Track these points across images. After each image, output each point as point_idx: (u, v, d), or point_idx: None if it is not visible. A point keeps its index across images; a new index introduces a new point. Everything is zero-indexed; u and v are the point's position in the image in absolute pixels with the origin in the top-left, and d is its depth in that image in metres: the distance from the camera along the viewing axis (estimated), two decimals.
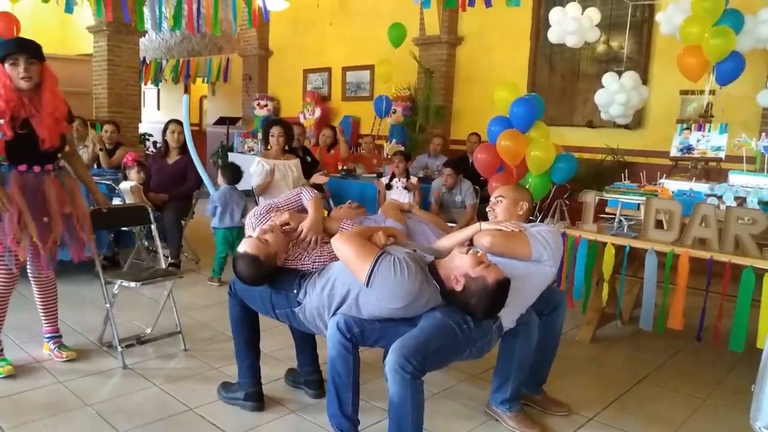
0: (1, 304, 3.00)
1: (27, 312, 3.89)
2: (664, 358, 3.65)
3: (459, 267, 2.26)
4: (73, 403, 2.74)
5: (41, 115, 2.80)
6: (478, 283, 2.21)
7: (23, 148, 2.79)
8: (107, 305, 3.23)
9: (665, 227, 3.43)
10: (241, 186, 4.80)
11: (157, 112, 13.55)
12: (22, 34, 5.62)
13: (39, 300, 3.23)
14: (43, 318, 3.26)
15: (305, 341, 2.92)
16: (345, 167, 6.76)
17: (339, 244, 2.33)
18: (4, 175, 2.80)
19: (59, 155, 3.00)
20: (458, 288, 2.24)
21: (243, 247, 2.48)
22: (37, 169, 2.85)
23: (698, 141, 4.42)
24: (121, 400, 2.79)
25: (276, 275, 2.52)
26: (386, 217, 2.83)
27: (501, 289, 2.22)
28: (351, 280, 2.31)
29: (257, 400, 2.75)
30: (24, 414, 2.61)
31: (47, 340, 3.26)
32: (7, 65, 2.73)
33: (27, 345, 3.35)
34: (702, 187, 3.73)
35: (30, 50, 2.78)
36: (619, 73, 5.37)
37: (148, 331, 3.58)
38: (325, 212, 2.92)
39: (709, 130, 4.39)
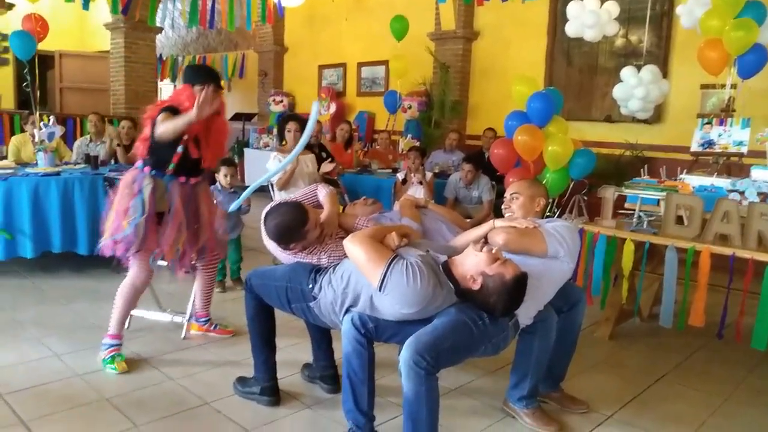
0: (135, 299, 3.15)
1: (45, 306, 3.95)
2: (684, 356, 3.60)
3: (474, 266, 2.23)
4: (91, 396, 2.76)
5: (210, 140, 3.09)
6: (495, 280, 2.18)
7: (188, 164, 3.04)
8: None
9: (686, 223, 3.37)
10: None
11: None
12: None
13: (200, 286, 3.51)
14: (200, 303, 3.55)
15: (321, 336, 2.91)
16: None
17: (351, 246, 2.31)
18: (167, 185, 3.04)
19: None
20: (476, 287, 2.22)
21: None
22: (192, 181, 3.12)
23: (719, 136, 4.34)
24: (138, 394, 2.81)
25: (295, 240, 2.56)
26: (402, 215, 2.81)
27: (519, 284, 2.20)
28: (365, 279, 2.30)
29: (273, 394, 2.75)
30: (43, 406, 2.64)
31: (203, 323, 3.56)
32: (197, 88, 2.89)
33: (47, 339, 3.38)
34: (723, 183, 3.67)
35: (217, 80, 3.05)
36: (638, 68, 5.29)
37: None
38: (340, 208, 2.90)
39: (731, 125, 4.31)
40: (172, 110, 2.94)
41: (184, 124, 2.82)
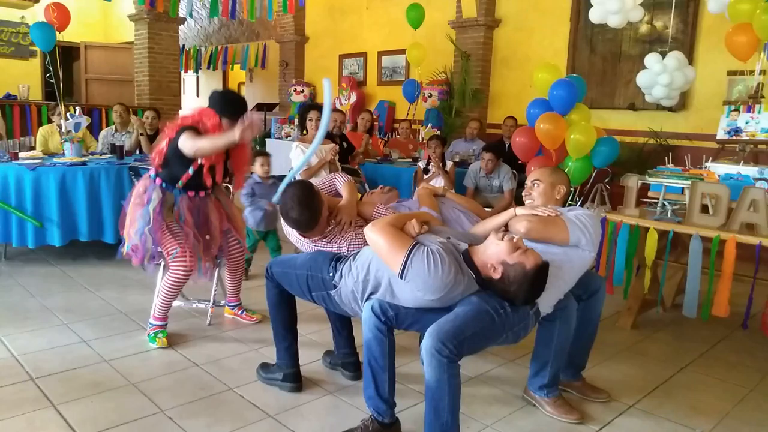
0: (176, 291, 3.25)
1: (73, 293, 4.04)
2: (708, 346, 3.56)
3: (495, 254, 2.23)
4: (119, 381, 2.83)
5: (235, 163, 3.29)
6: (516, 269, 2.18)
7: (198, 181, 3.19)
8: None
9: (711, 212, 3.32)
10: (278, 171, 4.72)
11: (197, 99, 13.77)
12: None
13: (228, 276, 3.65)
14: (230, 290, 3.68)
15: (342, 324, 2.94)
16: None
17: (372, 235, 2.31)
18: (176, 197, 3.21)
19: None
20: (496, 276, 2.22)
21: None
22: (202, 194, 3.28)
23: (747, 123, 4.26)
24: (164, 380, 2.87)
25: (312, 223, 2.57)
26: (421, 204, 2.81)
27: (540, 273, 2.19)
28: (385, 267, 2.31)
29: (295, 381, 2.79)
30: (72, 391, 2.71)
31: (232, 307, 3.70)
32: (225, 121, 3.05)
33: (75, 325, 3.47)
34: (751, 171, 3.61)
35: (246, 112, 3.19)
36: (663, 54, 5.20)
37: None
38: (359, 196, 2.91)
39: (759, 112, 4.22)
40: (196, 131, 3.04)
41: (224, 144, 2.94)
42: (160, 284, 3.27)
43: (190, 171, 3.13)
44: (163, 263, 3.37)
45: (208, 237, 3.29)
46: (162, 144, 3.15)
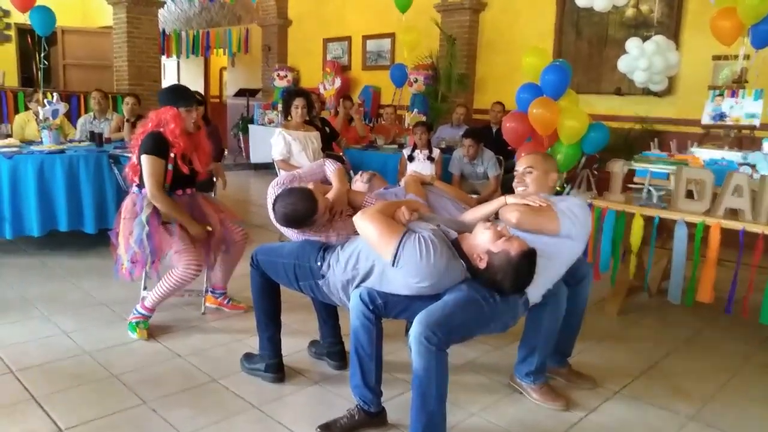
0: (179, 288, 3.22)
1: (53, 284, 3.97)
2: (693, 331, 3.59)
3: (481, 244, 2.22)
4: (100, 373, 2.78)
5: (199, 154, 3.32)
6: (501, 257, 2.16)
7: (181, 179, 3.24)
8: None
9: (696, 197, 3.33)
10: (262, 158, 4.68)
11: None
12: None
13: (223, 263, 3.55)
14: (221, 277, 3.60)
15: (328, 313, 2.91)
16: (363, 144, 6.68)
17: (361, 223, 2.28)
18: None
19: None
20: (482, 265, 2.21)
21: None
22: (189, 191, 3.34)
23: (731, 108, 4.25)
24: (146, 371, 2.83)
25: (302, 227, 2.53)
26: (407, 191, 2.78)
27: (525, 260, 2.17)
28: (375, 255, 2.28)
29: (277, 371, 2.76)
30: (53, 383, 2.66)
31: (217, 296, 3.63)
32: (182, 110, 3.16)
33: (55, 317, 3.40)
34: (735, 156, 3.62)
35: (199, 101, 3.37)
36: (648, 38, 5.17)
37: None
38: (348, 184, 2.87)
39: (743, 97, 4.22)
40: (156, 140, 3.10)
41: (179, 217, 3.15)
42: (165, 277, 3.18)
43: (170, 167, 3.14)
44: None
45: (209, 228, 3.31)
46: (134, 158, 3.23)
